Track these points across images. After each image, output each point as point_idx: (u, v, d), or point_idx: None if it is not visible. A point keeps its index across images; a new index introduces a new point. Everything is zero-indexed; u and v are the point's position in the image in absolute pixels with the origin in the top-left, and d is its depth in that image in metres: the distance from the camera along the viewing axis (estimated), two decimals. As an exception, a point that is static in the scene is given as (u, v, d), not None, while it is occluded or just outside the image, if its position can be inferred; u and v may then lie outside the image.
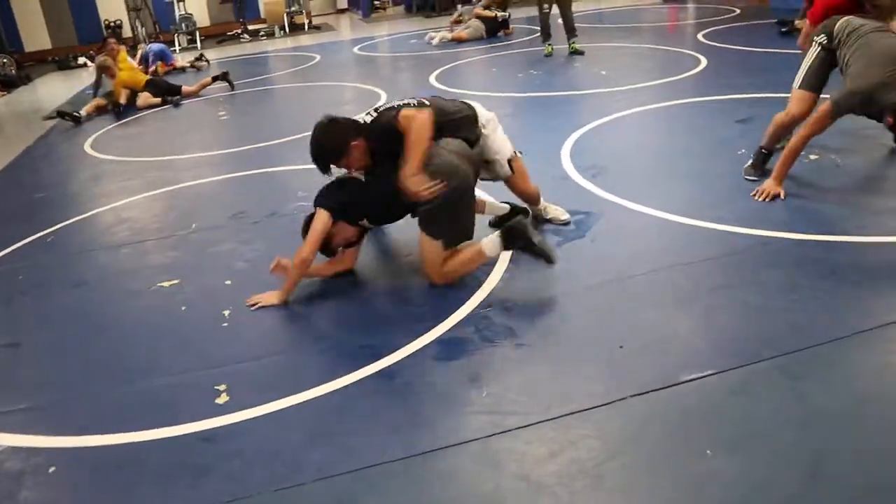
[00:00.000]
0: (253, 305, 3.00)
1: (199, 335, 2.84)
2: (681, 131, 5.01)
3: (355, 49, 11.00)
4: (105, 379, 2.60)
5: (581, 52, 8.13)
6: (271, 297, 3.01)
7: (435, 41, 10.33)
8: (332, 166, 2.95)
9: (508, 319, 2.66)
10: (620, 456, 1.96)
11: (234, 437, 2.19)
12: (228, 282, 3.26)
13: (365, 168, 2.95)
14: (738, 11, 10.41)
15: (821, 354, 2.30)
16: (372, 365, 2.46)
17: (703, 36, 8.70)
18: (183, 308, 3.07)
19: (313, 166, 2.94)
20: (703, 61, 7.11)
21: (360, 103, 6.58)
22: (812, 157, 3.95)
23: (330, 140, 2.89)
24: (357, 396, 2.32)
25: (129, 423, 2.28)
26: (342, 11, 17.28)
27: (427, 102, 3.03)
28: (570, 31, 8.14)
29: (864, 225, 3.17)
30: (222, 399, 2.36)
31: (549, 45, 8.30)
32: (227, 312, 2.96)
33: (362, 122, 2.98)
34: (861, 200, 3.52)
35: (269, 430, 2.20)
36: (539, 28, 8.59)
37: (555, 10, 8.26)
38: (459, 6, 12.04)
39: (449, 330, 2.64)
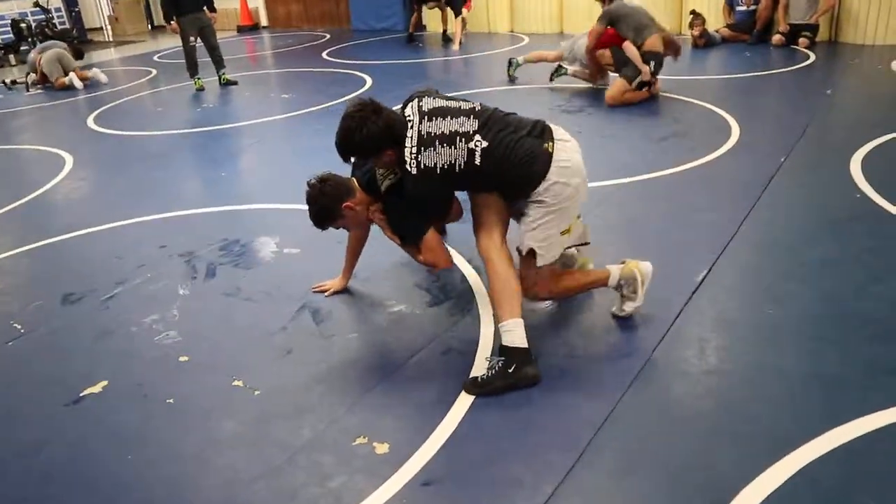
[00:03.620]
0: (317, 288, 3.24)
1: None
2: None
3: None
4: None
5: (235, 83, 8.52)
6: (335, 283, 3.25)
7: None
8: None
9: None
10: None
11: None
12: None
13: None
14: (328, 36, 12.02)
15: None
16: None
17: (328, 54, 10.00)
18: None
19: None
20: (368, 81, 8.36)
21: None
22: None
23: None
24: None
25: None
26: None
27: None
28: (219, 62, 8.44)
29: None
30: None
31: (199, 78, 8.44)
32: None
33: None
34: None
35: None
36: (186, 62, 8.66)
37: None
38: None
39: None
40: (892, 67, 7.17)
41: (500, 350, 2.54)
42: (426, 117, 2.55)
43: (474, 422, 2.35)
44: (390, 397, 2.54)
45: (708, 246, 3.48)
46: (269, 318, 3.10)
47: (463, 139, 2.50)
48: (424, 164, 2.49)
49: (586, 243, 3.12)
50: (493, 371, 2.48)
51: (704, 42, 8.81)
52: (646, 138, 5.38)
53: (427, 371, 2.67)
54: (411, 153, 2.50)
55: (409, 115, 2.59)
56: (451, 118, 2.55)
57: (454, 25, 10.23)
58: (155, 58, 11.53)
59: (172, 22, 7.89)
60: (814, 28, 8.37)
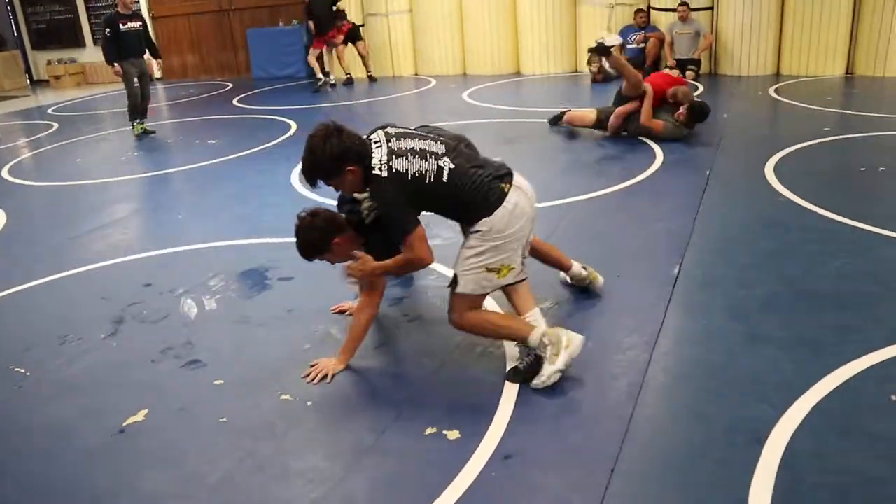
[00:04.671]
0: (315, 379, 2.83)
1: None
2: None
3: None
4: None
5: (152, 131, 8.32)
6: (330, 365, 2.89)
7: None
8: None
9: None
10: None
11: None
12: None
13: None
14: (230, 85, 12.01)
15: None
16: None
17: (239, 102, 10.02)
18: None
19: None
20: (293, 125, 8.46)
21: None
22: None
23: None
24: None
25: None
26: None
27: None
28: (144, 111, 8.24)
29: None
30: None
31: (139, 122, 8.14)
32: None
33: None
34: None
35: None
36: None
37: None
38: None
39: None
40: (769, 93, 8.14)
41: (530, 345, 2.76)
42: (394, 138, 2.65)
43: (525, 403, 2.59)
44: (438, 393, 2.72)
45: (670, 248, 3.90)
46: (291, 338, 3.19)
47: (433, 156, 2.61)
48: (396, 169, 2.55)
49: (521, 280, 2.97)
50: (530, 357, 2.73)
51: (602, 77, 9.58)
52: (580, 162, 5.86)
53: (462, 368, 2.88)
54: (381, 160, 2.56)
55: (375, 139, 2.66)
56: (420, 140, 2.67)
57: (362, 49, 10.84)
58: (50, 111, 11.09)
59: (115, 65, 7.69)
60: (697, 62, 9.33)
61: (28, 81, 15.01)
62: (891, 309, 3.14)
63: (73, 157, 7.59)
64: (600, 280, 3.40)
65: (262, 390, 2.80)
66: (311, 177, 2.65)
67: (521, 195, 2.67)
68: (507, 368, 2.79)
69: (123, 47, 7.68)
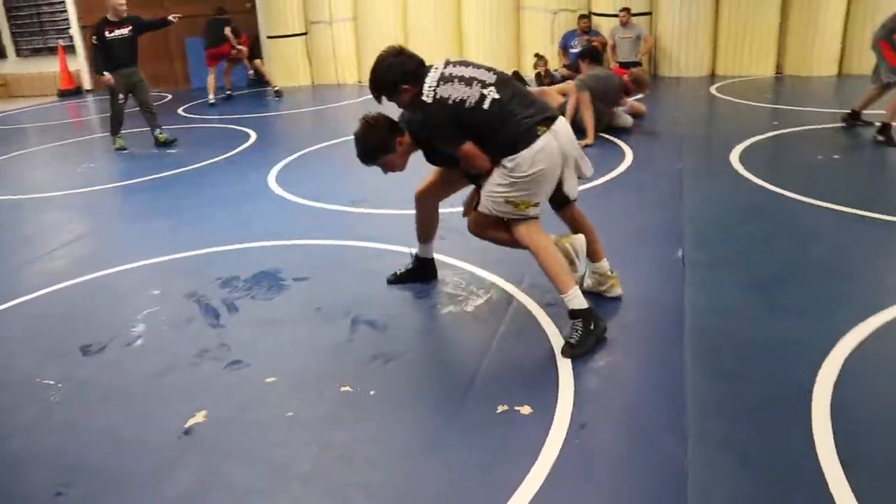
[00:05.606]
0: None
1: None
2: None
3: None
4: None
5: (174, 140, 7.68)
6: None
7: None
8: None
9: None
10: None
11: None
12: None
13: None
14: (170, 96, 11.70)
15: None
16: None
17: (185, 112, 9.79)
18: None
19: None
20: (251, 133, 8.35)
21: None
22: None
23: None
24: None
25: None
26: None
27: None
28: (154, 119, 7.71)
29: None
30: None
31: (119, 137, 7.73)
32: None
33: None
34: None
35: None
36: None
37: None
38: None
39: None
40: (711, 92, 8.61)
41: (572, 314, 2.91)
42: (451, 65, 2.91)
43: (583, 374, 2.73)
44: (495, 375, 2.81)
45: (665, 235, 4.13)
46: (328, 334, 3.22)
47: (479, 84, 2.83)
48: (440, 95, 2.80)
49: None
50: (579, 332, 2.87)
51: (549, 81, 9.87)
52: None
53: (510, 349, 2.98)
54: (430, 86, 2.82)
55: (436, 65, 2.91)
56: (474, 68, 2.91)
57: (259, 66, 10.77)
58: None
59: (106, 74, 7.24)
60: (639, 65, 9.75)
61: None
62: (887, 275, 3.44)
63: (24, 169, 7.26)
64: (618, 290, 3.36)
65: (319, 384, 2.82)
66: (375, 93, 2.94)
67: (551, 139, 2.85)
68: (563, 343, 2.92)
69: (111, 56, 7.24)
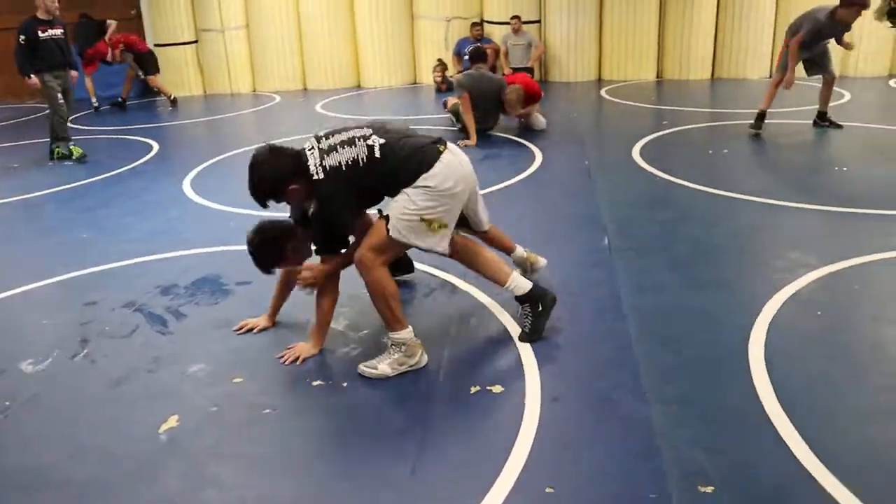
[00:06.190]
0: (287, 361, 2.97)
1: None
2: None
3: None
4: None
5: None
6: (305, 349, 3.01)
7: None
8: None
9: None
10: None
11: None
12: None
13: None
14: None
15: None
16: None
17: (73, 123, 9.28)
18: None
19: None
20: (153, 143, 8.05)
21: None
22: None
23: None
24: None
25: None
26: None
27: None
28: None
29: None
30: None
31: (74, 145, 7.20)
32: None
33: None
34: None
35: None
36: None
37: None
38: None
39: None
40: (602, 95, 9.16)
41: (519, 300, 3.09)
42: (324, 138, 2.82)
43: (543, 354, 2.93)
44: (459, 360, 2.96)
45: (587, 224, 4.45)
46: (287, 334, 3.24)
47: (361, 139, 2.76)
48: (329, 166, 2.70)
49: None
50: (529, 318, 3.05)
51: (447, 87, 10.15)
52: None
53: (469, 336, 3.15)
54: (316, 164, 2.71)
55: (308, 146, 2.82)
56: (346, 131, 2.82)
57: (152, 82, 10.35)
58: None
59: (33, 77, 6.75)
60: (531, 70, 10.20)
61: None
62: (785, 251, 3.87)
63: None
64: (542, 262, 3.59)
65: (290, 381, 2.87)
66: (259, 200, 2.82)
67: (454, 156, 2.85)
68: (521, 332, 3.08)
69: (42, 57, 6.79)
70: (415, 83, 11.20)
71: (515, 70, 10.17)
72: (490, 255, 3.17)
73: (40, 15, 6.89)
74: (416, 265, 3.78)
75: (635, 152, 6.07)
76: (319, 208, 2.85)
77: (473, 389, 2.70)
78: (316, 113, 9.19)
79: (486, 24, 10.63)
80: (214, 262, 4.17)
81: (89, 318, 3.53)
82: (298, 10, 10.94)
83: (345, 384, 2.81)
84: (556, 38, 10.41)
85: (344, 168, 2.71)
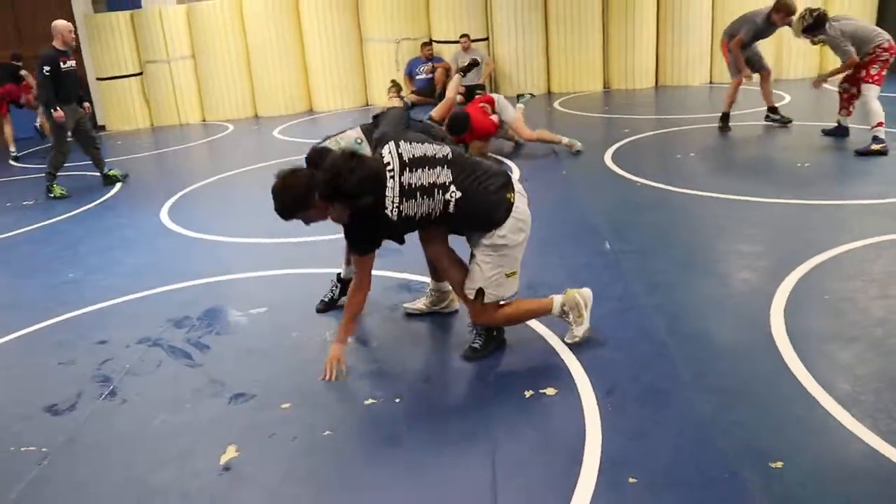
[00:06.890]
0: (330, 376, 2.99)
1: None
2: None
3: None
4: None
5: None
6: (334, 352, 3.03)
7: None
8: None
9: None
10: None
11: None
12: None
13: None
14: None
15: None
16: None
17: (16, 162, 8.94)
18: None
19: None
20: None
21: None
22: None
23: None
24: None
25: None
26: None
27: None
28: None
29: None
30: None
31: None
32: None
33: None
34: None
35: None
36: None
37: None
38: None
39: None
40: (556, 107, 9.41)
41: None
42: (407, 168, 2.75)
43: (583, 355, 3.01)
44: (502, 368, 3.03)
45: (585, 231, 4.58)
46: (322, 357, 3.19)
47: (440, 191, 2.75)
48: (406, 214, 2.75)
49: None
50: (482, 338, 3.10)
51: (404, 107, 10.22)
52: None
53: (509, 345, 3.19)
54: (393, 202, 2.73)
55: (388, 162, 2.77)
56: (429, 169, 2.77)
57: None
58: None
59: (58, 109, 6.49)
60: (483, 87, 10.39)
61: None
62: (780, 242, 4.09)
63: None
64: (455, 305, 3.48)
65: (341, 402, 2.87)
66: (285, 214, 2.90)
67: (522, 200, 2.93)
68: (466, 349, 3.11)
69: (61, 89, 6.52)
70: (367, 105, 11.25)
71: (468, 88, 10.35)
72: (526, 305, 3.13)
73: (58, 45, 6.65)
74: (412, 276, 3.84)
75: (608, 160, 6.27)
76: (375, 228, 2.84)
77: (528, 394, 2.76)
78: (275, 138, 9.13)
79: (435, 44, 10.79)
80: (218, 291, 4.13)
81: (105, 357, 3.43)
82: (246, 38, 10.87)
83: (397, 399, 2.83)
84: (504, 54, 10.64)
85: (417, 219, 2.78)
